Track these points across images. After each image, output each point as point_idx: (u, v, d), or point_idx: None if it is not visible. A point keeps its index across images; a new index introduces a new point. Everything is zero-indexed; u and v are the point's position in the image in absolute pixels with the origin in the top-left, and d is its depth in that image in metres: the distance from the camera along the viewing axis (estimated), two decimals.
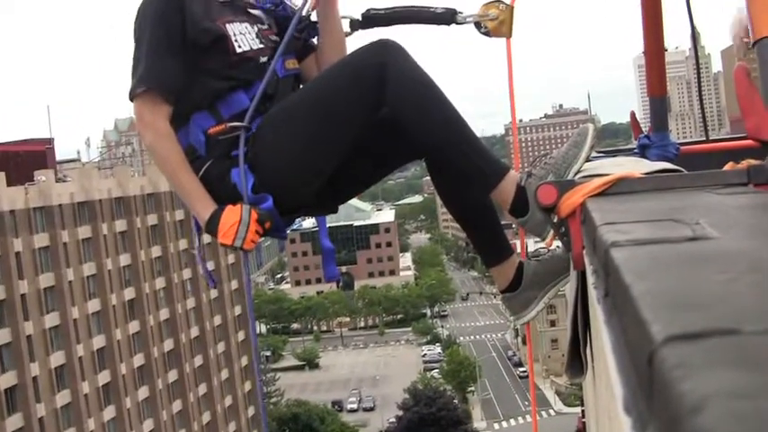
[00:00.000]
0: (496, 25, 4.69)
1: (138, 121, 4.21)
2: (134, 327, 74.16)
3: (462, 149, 3.96)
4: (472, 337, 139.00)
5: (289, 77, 4.40)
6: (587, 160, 3.85)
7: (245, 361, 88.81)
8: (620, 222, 1.83)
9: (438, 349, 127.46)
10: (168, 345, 77.88)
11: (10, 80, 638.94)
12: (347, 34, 4.72)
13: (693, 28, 5.53)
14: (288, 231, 4.39)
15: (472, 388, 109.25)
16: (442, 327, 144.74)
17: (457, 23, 4.72)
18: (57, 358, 65.10)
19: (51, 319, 65.08)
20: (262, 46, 4.34)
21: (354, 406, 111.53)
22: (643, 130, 5.92)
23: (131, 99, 4.21)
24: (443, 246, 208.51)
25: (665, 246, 1.51)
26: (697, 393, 0.78)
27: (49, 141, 78.98)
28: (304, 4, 4.43)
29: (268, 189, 4.05)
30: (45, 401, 63.07)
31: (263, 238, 4.13)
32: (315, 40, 4.67)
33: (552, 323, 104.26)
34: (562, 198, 3.23)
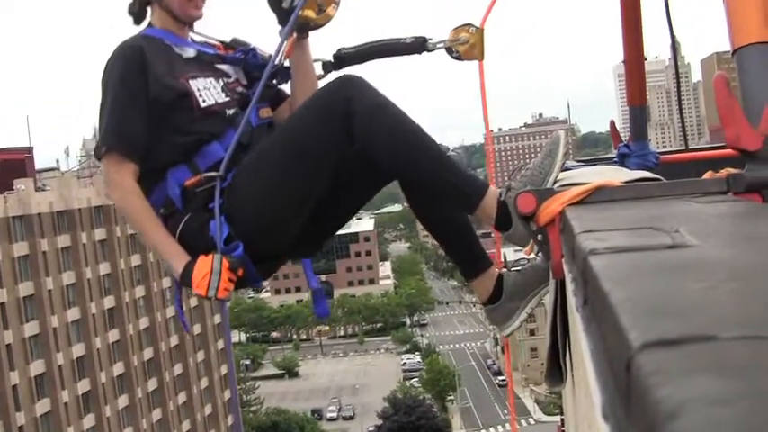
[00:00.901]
0: (467, 49, 4.72)
1: (105, 179, 4.26)
2: (114, 335, 73.92)
3: (438, 173, 3.94)
4: (452, 346, 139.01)
5: (263, 126, 4.42)
6: (562, 168, 3.85)
7: (224, 369, 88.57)
8: (598, 230, 1.83)
9: (417, 358, 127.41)
10: (148, 353, 77.64)
11: None
12: (320, 77, 4.74)
13: (673, 37, 5.55)
14: (263, 281, 4.42)
15: (452, 396, 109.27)
16: (422, 335, 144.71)
17: (428, 51, 4.73)
18: (36, 367, 64.83)
19: (31, 328, 64.82)
20: (227, 99, 4.40)
21: (334, 414, 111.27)
22: (623, 139, 5.94)
23: (98, 159, 4.25)
24: (423, 255, 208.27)
25: (645, 253, 1.51)
26: (674, 399, 0.78)
27: (29, 150, 78.68)
28: (278, 54, 4.46)
29: (245, 238, 4.05)
30: (25, 410, 62.79)
31: (237, 289, 4.14)
32: (287, 86, 4.70)
33: (531, 332, 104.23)
34: (541, 206, 3.24)
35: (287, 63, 4.60)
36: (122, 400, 73.58)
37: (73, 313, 69.43)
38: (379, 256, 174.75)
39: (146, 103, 4.15)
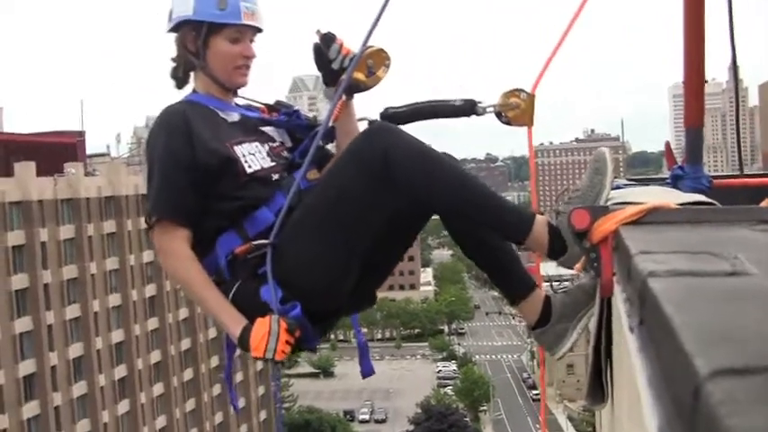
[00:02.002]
0: (518, 114, 4.66)
1: (158, 249, 4.23)
2: (153, 323, 74.35)
3: (486, 212, 3.94)
4: (488, 357, 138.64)
5: (311, 189, 4.35)
6: (612, 186, 3.82)
7: (260, 365, 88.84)
8: (656, 252, 1.82)
9: (453, 366, 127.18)
10: (185, 344, 78.00)
11: (45, 72, 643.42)
12: None
13: (735, 60, 5.50)
14: (318, 342, 4.33)
15: (485, 407, 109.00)
16: (459, 344, 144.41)
17: (477, 114, 4.70)
18: (75, 349, 65.37)
19: (72, 311, 65.35)
20: (273, 164, 4.37)
21: (366, 417, 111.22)
22: (677, 160, 5.89)
23: (149, 228, 4.26)
24: (465, 263, 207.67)
25: (704, 279, 1.49)
26: (744, 429, 0.77)
27: (81, 134, 79.26)
28: (328, 118, 4.39)
29: (300, 299, 4.02)
30: (62, 391, 63.32)
31: (294, 352, 4.08)
32: (332, 146, 4.67)
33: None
34: (595, 224, 3.22)
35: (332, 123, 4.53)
36: (157, 388, 73.95)
37: (114, 299, 69.90)
38: (421, 262, 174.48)
39: (192, 169, 4.15)
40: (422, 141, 4.00)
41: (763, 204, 2.95)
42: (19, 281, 60.94)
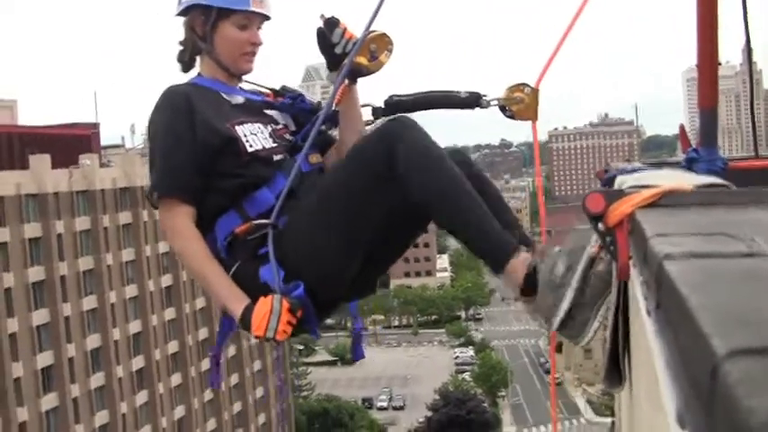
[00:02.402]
0: (522, 108, 4.73)
1: (162, 226, 4.30)
2: (170, 314, 74.63)
3: (472, 229, 3.97)
4: (506, 342, 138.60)
5: (312, 172, 4.41)
6: (631, 171, 3.80)
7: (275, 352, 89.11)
8: (671, 234, 1.81)
9: (471, 352, 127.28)
10: (203, 333, 78.23)
11: (59, 64, 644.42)
12: (369, 122, 4.72)
13: (749, 42, 5.48)
14: (318, 326, 4.29)
15: (503, 393, 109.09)
16: (476, 330, 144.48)
17: (481, 107, 4.75)
18: (93, 341, 65.69)
19: (89, 302, 65.64)
20: (275, 145, 4.40)
21: (384, 404, 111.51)
22: (692, 143, 5.87)
23: (153, 207, 4.31)
24: None
25: (721, 260, 1.49)
26: (765, 409, 0.77)
27: (95, 126, 79.45)
28: (330, 101, 4.42)
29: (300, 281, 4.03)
30: (80, 383, 63.60)
31: (294, 335, 4.07)
32: (335, 131, 4.69)
33: None
34: (610, 207, 3.21)
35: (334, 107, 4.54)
36: (175, 379, 74.21)
37: (131, 290, 70.16)
38: (437, 249, 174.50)
39: (193, 146, 4.17)
40: (432, 140, 4.01)
41: None
42: (35, 273, 61.29)
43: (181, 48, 4.56)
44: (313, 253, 4.09)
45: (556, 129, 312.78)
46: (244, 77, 4.60)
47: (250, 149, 4.27)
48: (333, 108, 4.47)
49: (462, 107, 4.75)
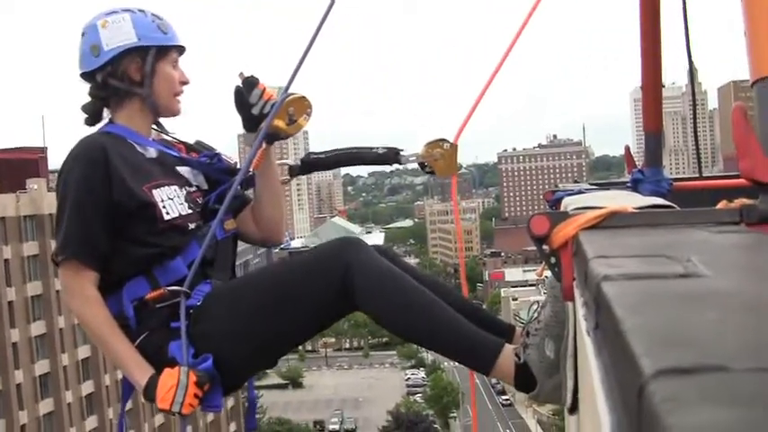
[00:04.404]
0: (442, 165, 4.67)
1: (63, 287, 4.06)
2: None
3: (445, 342, 3.84)
4: (456, 364, 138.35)
5: (227, 239, 4.29)
6: (576, 192, 3.83)
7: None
8: (611, 256, 1.84)
9: (422, 374, 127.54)
10: None
11: (6, 87, 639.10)
12: (285, 181, 4.64)
13: (691, 64, 5.55)
14: (222, 404, 4.06)
15: (454, 414, 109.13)
16: (427, 351, 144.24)
17: (400, 164, 4.71)
18: (41, 366, 65.21)
19: (37, 328, 65.11)
20: (190, 212, 4.20)
21: (336, 427, 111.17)
22: (637, 164, 5.93)
23: (55, 264, 4.04)
24: (432, 270, 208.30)
25: (657, 281, 1.52)
26: (685, 427, 0.79)
27: (42, 150, 78.83)
28: (247, 165, 4.27)
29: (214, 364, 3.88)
30: (28, 409, 63.17)
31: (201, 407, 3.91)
32: (250, 192, 4.54)
33: None
34: (555, 229, 3.25)
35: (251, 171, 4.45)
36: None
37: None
38: None
39: (107, 208, 3.95)
40: (386, 263, 3.90)
41: (719, 206, 2.98)
42: None
43: (93, 100, 4.34)
44: (235, 340, 3.93)
45: (505, 150, 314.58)
46: (159, 127, 4.43)
47: (167, 217, 4.07)
48: (250, 172, 4.35)
49: (380, 163, 4.67)
